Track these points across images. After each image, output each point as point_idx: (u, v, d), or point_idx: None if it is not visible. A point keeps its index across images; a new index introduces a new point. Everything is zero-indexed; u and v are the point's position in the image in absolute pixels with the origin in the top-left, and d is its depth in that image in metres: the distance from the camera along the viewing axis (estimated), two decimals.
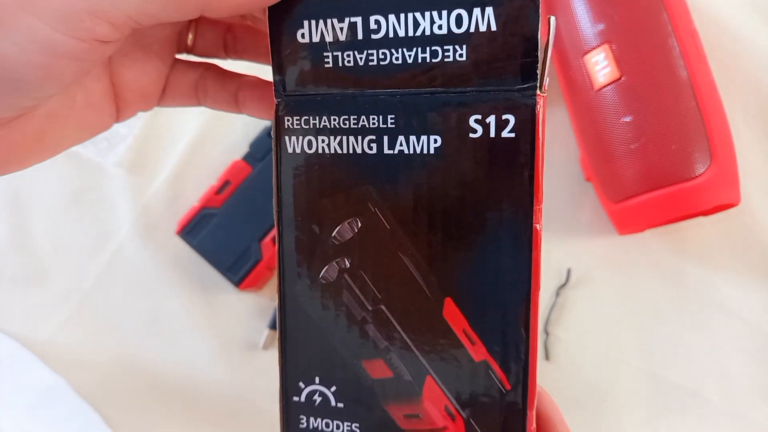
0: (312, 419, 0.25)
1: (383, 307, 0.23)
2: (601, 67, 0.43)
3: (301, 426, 0.25)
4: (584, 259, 0.47)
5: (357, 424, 0.24)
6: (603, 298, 0.47)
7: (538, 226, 0.22)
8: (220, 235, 0.45)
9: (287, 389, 0.25)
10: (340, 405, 0.24)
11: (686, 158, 0.41)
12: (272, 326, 0.46)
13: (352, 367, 0.24)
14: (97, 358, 0.47)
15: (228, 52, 0.29)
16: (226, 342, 0.47)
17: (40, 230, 0.49)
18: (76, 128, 0.25)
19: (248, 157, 0.46)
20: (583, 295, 0.47)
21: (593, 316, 0.46)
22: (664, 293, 0.47)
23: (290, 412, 0.25)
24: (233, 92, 0.28)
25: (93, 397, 0.47)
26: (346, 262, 0.23)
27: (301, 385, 0.24)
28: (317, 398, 0.24)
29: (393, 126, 0.22)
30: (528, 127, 0.22)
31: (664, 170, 0.41)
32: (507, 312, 0.22)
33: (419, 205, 0.22)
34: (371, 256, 0.23)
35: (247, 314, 0.47)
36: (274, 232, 0.42)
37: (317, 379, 0.24)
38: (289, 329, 0.24)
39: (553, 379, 0.46)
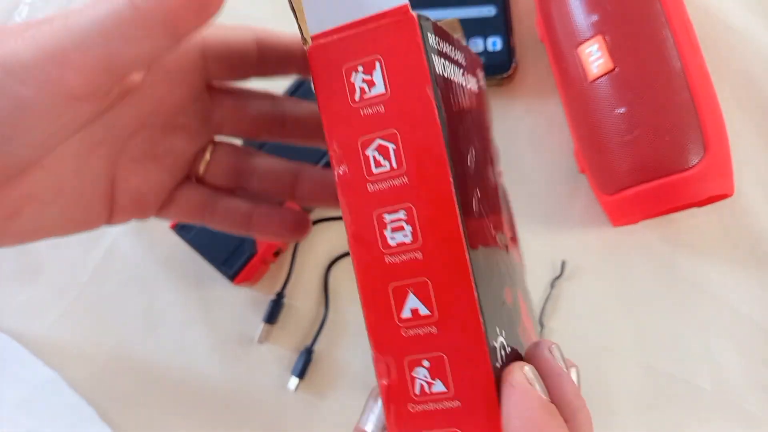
0: (500, 366, 0.23)
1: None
2: (594, 58, 0.43)
3: (495, 367, 0.23)
4: (578, 251, 0.47)
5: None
6: (597, 289, 0.47)
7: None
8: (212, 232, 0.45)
9: (489, 335, 0.22)
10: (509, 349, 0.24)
11: (680, 149, 0.41)
12: (267, 320, 0.46)
13: (503, 304, 0.24)
14: (92, 353, 0.47)
15: (242, 187, 0.27)
16: (221, 336, 0.47)
17: None
18: (58, 219, 0.23)
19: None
20: (577, 287, 0.47)
21: (587, 308, 0.47)
22: (657, 284, 0.47)
23: (491, 359, 0.22)
24: (245, 217, 0.27)
25: (88, 391, 0.47)
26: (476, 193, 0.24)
27: (498, 330, 0.24)
28: (500, 350, 0.23)
29: None
30: None
31: (657, 161, 0.41)
32: None
33: None
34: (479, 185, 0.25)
35: (242, 308, 0.48)
36: None
37: (497, 329, 0.24)
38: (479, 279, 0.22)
39: None
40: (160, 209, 0.27)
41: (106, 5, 0.19)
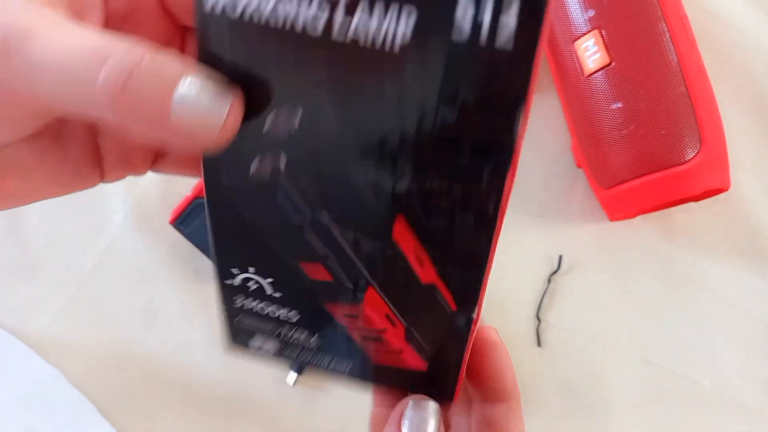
0: (247, 301, 0.24)
1: (326, 214, 0.20)
2: (591, 53, 0.43)
3: (235, 305, 0.24)
4: (575, 245, 0.47)
5: (295, 311, 0.24)
6: (594, 284, 0.47)
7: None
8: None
9: (221, 273, 0.23)
10: (277, 294, 0.23)
11: (676, 143, 0.41)
12: None
13: (289, 265, 0.22)
14: (92, 349, 0.48)
15: None
16: (220, 331, 0.47)
17: (33, 221, 0.50)
18: (46, 183, 0.22)
19: None
20: (574, 282, 0.47)
21: (585, 302, 0.47)
22: (654, 279, 0.47)
23: (225, 293, 0.24)
24: None
25: (87, 387, 0.47)
26: (282, 159, 0.20)
27: (235, 271, 0.23)
28: (252, 285, 0.23)
29: None
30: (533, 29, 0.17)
31: (653, 156, 0.41)
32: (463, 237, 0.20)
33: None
34: (313, 155, 0.19)
35: None
36: None
37: (252, 269, 0.23)
38: (217, 224, 0.22)
39: (544, 365, 0.46)
40: (155, 163, 0.25)
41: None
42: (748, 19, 0.49)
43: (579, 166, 0.47)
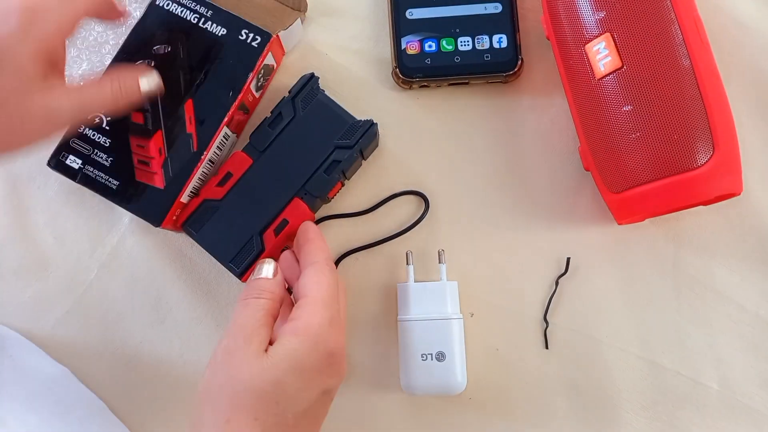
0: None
1: None
2: (602, 56, 0.43)
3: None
4: (583, 248, 0.47)
5: (108, 139, 0.46)
6: (602, 287, 0.47)
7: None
8: (222, 227, 0.45)
9: None
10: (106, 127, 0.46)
11: (688, 148, 0.41)
12: None
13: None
14: (100, 349, 0.48)
15: None
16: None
17: (41, 221, 0.49)
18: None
19: (249, 149, 0.46)
20: (582, 284, 0.47)
21: (592, 305, 0.47)
22: (662, 282, 0.47)
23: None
24: None
25: (96, 385, 0.47)
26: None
27: None
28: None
29: None
30: None
31: (665, 160, 0.41)
32: None
33: None
34: None
35: None
36: (276, 223, 0.45)
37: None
38: None
39: (552, 368, 0.46)
40: None
41: None
42: (762, 22, 0.49)
43: (587, 169, 0.47)
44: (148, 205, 0.45)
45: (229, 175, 0.46)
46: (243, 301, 0.38)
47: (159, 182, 0.45)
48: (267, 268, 0.40)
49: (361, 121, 0.46)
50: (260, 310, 0.37)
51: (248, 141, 0.46)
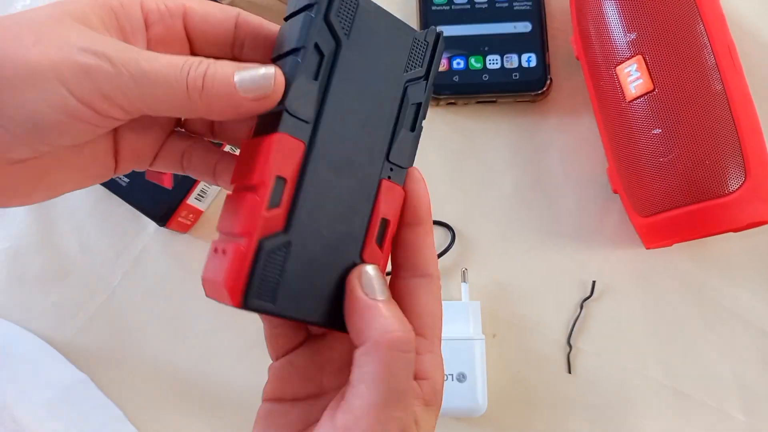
0: None
1: None
2: (633, 78, 0.42)
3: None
4: (609, 271, 0.47)
5: None
6: (627, 311, 0.46)
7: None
8: (305, 273, 0.25)
9: None
10: None
11: (719, 174, 0.40)
12: None
13: None
14: (121, 357, 0.48)
15: (214, 134, 0.31)
16: (249, 342, 0.47)
17: (66, 229, 0.50)
18: (77, 175, 0.27)
19: (291, 125, 0.25)
20: (607, 308, 0.46)
21: (617, 329, 0.46)
22: (688, 307, 0.46)
23: None
24: (212, 165, 0.30)
25: (116, 394, 0.47)
26: None
27: None
28: None
29: None
30: None
31: (695, 185, 0.40)
32: None
33: None
34: None
35: None
36: (373, 229, 0.27)
37: None
38: None
39: (574, 392, 0.45)
40: (153, 161, 0.30)
41: (171, 69, 0.23)
42: None
43: (615, 191, 0.46)
44: (155, 204, 0.46)
45: (281, 183, 0.25)
46: (401, 360, 0.24)
47: (167, 182, 0.46)
48: (383, 285, 0.26)
49: (423, 32, 0.29)
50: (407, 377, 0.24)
51: (280, 111, 0.25)
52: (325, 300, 0.26)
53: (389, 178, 0.28)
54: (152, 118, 0.28)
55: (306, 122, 0.25)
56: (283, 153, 0.25)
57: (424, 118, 0.29)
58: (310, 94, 0.26)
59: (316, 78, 0.26)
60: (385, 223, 0.27)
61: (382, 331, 0.24)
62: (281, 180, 0.25)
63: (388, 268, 0.28)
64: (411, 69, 0.28)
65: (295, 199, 0.25)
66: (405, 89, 0.28)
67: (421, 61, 0.29)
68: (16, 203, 0.26)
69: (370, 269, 0.26)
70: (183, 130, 0.31)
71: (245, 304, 0.24)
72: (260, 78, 0.24)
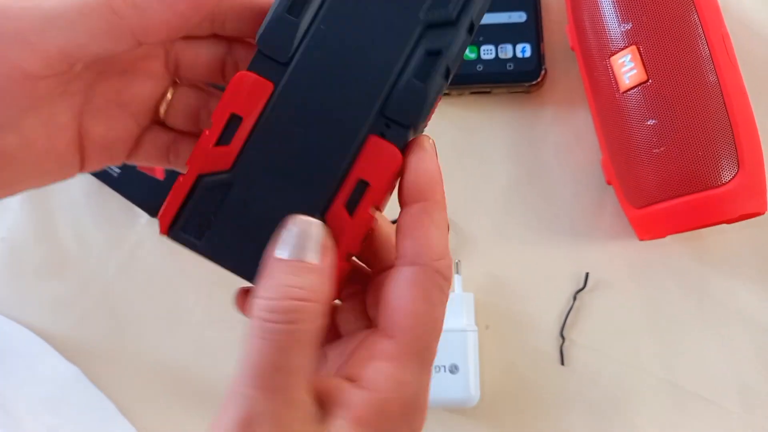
0: None
1: None
2: (627, 68, 0.42)
3: None
4: (603, 263, 0.46)
5: None
6: (621, 303, 0.46)
7: None
8: (242, 220, 0.24)
9: None
10: None
11: (712, 165, 0.40)
12: None
13: None
14: (116, 351, 0.48)
15: (202, 126, 0.28)
16: (244, 335, 0.47)
17: (62, 222, 0.50)
18: (33, 172, 0.24)
19: (260, 64, 0.24)
20: (600, 300, 0.46)
21: (611, 322, 0.46)
22: (683, 300, 0.46)
23: None
24: None
25: (111, 389, 0.47)
26: None
27: None
28: None
29: None
30: None
31: (688, 176, 0.40)
32: None
33: None
34: None
35: None
36: (346, 191, 0.24)
37: None
38: None
39: (567, 384, 0.45)
40: (129, 155, 0.27)
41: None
42: None
43: (609, 183, 0.46)
44: (146, 195, 0.46)
45: (235, 122, 0.24)
46: (265, 331, 0.21)
47: (159, 174, 0.46)
48: (310, 242, 0.22)
49: None
50: (301, 348, 0.21)
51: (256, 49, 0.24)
52: (253, 252, 0.23)
53: (382, 135, 0.23)
54: (123, 105, 0.26)
55: (278, 62, 0.24)
56: (243, 92, 0.24)
57: (447, 74, 0.24)
58: (288, 32, 0.24)
59: (297, 15, 0.24)
60: (363, 186, 0.23)
61: (254, 296, 0.21)
62: (236, 118, 0.24)
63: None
64: (436, 8, 0.24)
65: (249, 140, 0.24)
66: (422, 32, 0.24)
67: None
68: None
69: (300, 222, 0.22)
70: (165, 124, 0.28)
71: (170, 233, 0.24)
72: None
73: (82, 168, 0.26)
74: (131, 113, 0.27)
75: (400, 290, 0.22)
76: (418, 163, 0.23)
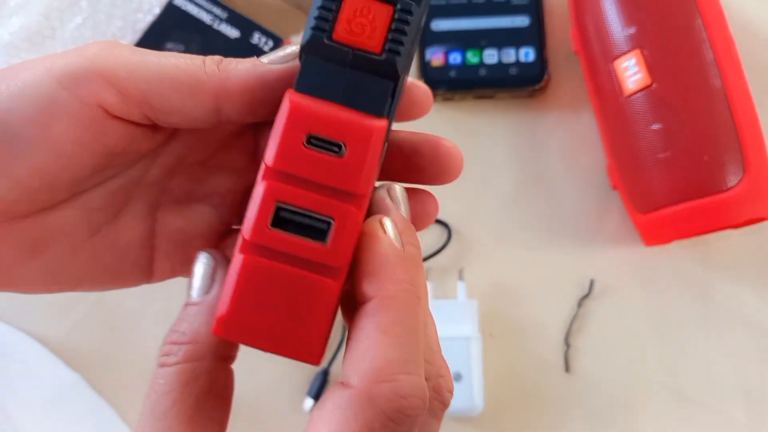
0: None
1: None
2: (631, 73, 0.42)
3: None
4: (607, 269, 0.46)
5: None
6: (626, 309, 0.46)
7: None
8: None
9: None
10: None
11: (718, 169, 0.40)
12: None
13: None
14: (114, 357, 0.47)
15: None
16: (241, 349, 0.47)
17: None
18: (89, 263, 0.21)
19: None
20: (605, 307, 0.46)
21: (616, 328, 0.45)
22: (689, 306, 0.45)
23: None
24: None
25: (111, 394, 0.47)
26: None
27: None
28: None
29: None
30: None
31: (694, 181, 0.40)
32: None
33: None
34: None
35: None
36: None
37: None
38: None
39: (572, 392, 0.45)
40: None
41: (182, 60, 0.19)
42: None
43: (614, 188, 0.46)
44: None
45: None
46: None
47: None
48: (197, 275, 0.20)
49: None
50: (167, 392, 0.19)
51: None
52: None
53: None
54: (202, 196, 0.22)
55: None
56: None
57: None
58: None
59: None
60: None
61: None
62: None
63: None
64: None
65: None
66: None
67: None
68: (6, 286, 0.20)
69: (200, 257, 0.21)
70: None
71: None
72: (286, 54, 0.20)
73: (150, 275, 0.23)
74: (213, 207, 0.23)
75: (322, 421, 0.17)
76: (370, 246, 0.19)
